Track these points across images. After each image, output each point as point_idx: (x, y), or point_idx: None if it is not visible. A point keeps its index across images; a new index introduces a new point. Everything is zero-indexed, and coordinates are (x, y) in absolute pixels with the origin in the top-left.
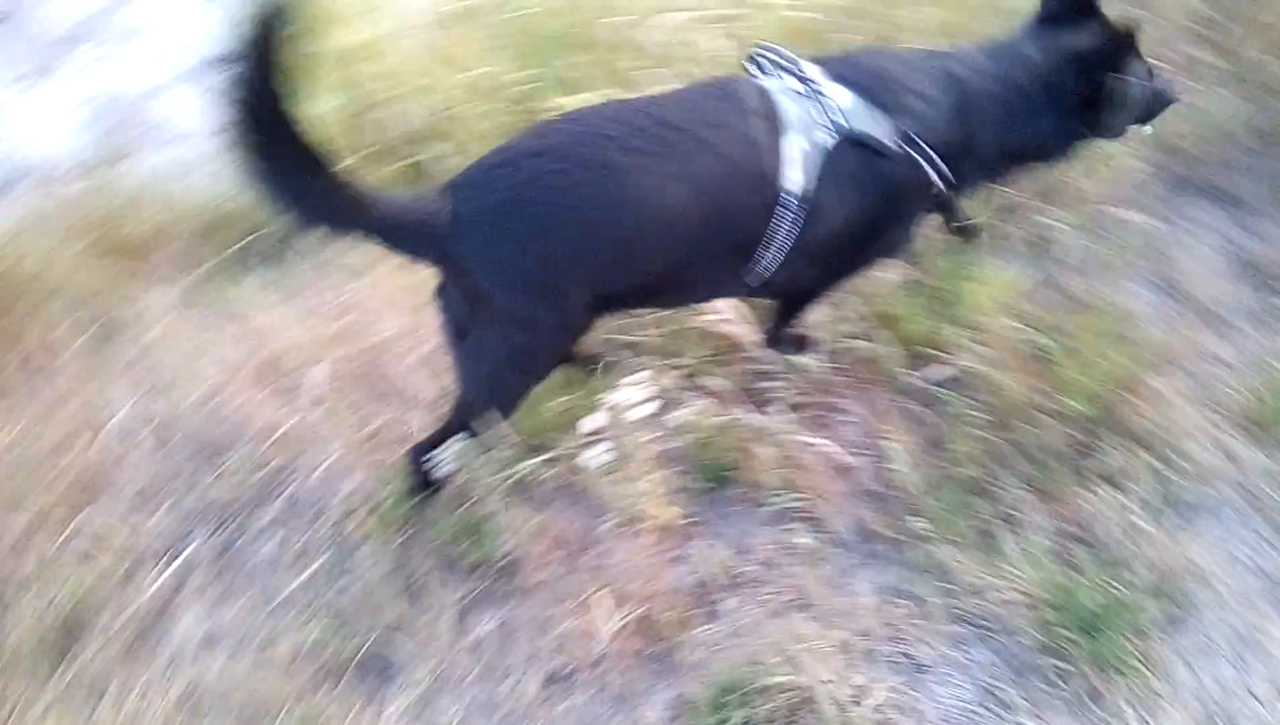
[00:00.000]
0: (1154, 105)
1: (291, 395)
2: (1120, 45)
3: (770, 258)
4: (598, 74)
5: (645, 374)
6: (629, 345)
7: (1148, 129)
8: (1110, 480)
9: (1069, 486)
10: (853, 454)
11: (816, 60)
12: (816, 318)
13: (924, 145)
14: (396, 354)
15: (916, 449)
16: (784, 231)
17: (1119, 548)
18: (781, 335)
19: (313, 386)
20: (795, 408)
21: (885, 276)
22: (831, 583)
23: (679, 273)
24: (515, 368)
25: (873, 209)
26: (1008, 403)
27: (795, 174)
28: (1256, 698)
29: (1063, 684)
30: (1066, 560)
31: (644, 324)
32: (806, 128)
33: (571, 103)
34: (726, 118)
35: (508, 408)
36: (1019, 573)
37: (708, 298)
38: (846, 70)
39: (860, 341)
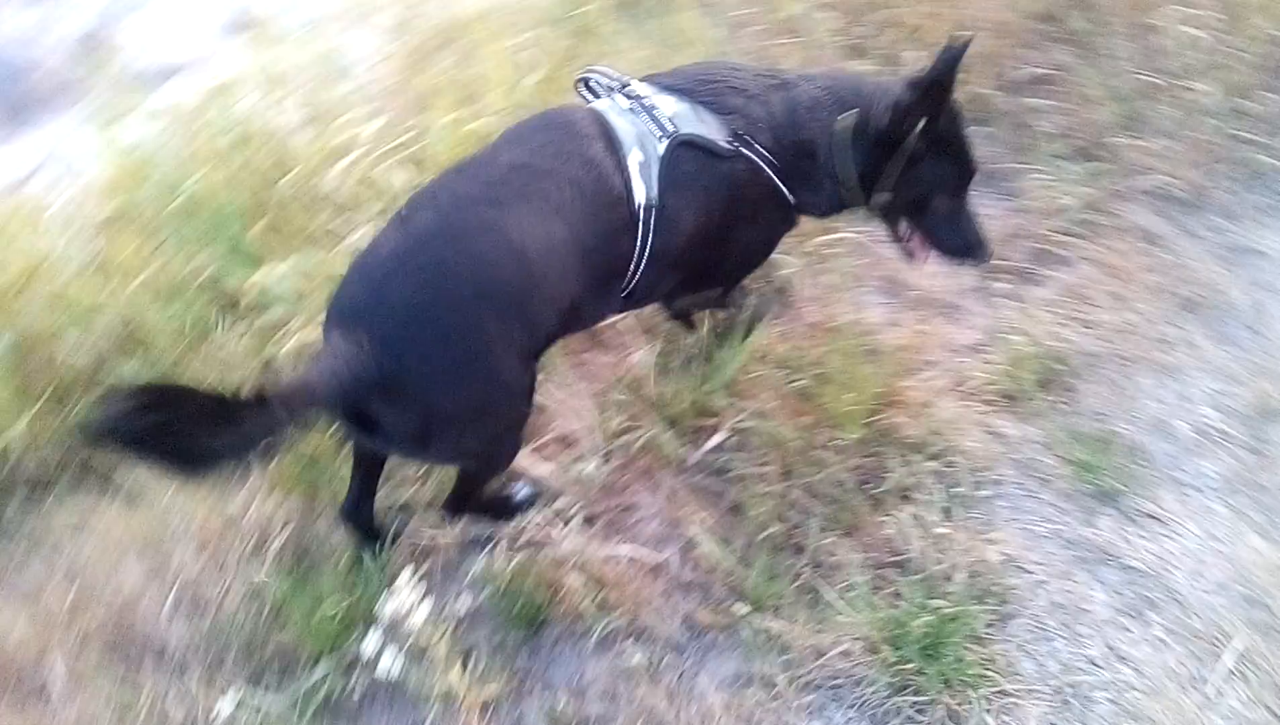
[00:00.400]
0: (955, 232)
1: (35, 699)
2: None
3: (639, 268)
4: (288, 237)
5: (406, 575)
6: (402, 507)
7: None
8: (902, 496)
9: (867, 515)
10: (658, 550)
11: (646, 78)
12: (583, 424)
13: (754, 143)
14: (147, 606)
15: (717, 524)
16: (645, 241)
17: (930, 561)
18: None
19: (57, 681)
20: (589, 522)
21: (641, 359)
22: (676, 693)
23: (579, 301)
24: (479, 457)
25: (719, 207)
26: (787, 450)
27: (639, 186)
28: (1096, 663)
29: (923, 717)
30: (888, 591)
31: (411, 479)
32: (640, 140)
33: (270, 274)
34: (566, 147)
35: (500, 463)
36: (849, 620)
37: (598, 320)
38: (673, 81)
39: (632, 433)
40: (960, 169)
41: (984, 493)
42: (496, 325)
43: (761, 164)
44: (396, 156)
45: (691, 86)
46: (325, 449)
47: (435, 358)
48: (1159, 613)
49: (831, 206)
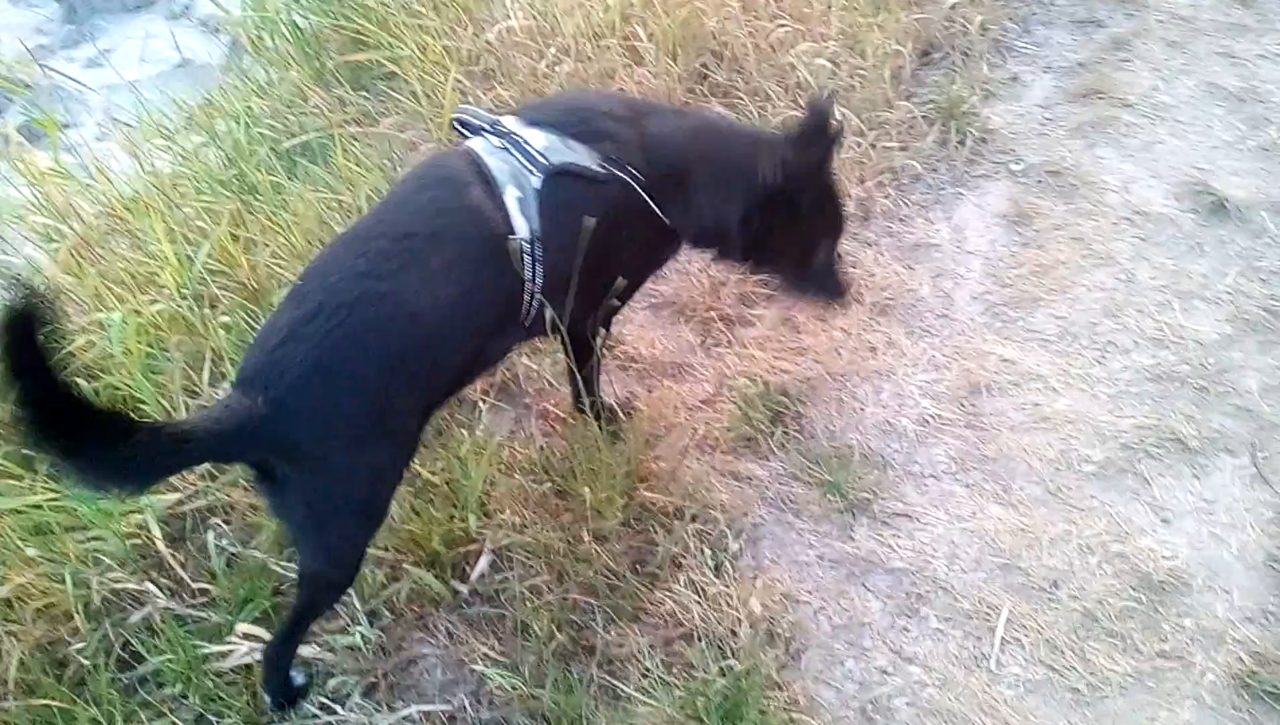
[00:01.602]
0: (825, 286)
1: None
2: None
3: (532, 300)
4: None
5: None
6: None
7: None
8: (674, 565)
9: (646, 596)
10: (448, 700)
11: (515, 111)
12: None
13: (626, 165)
14: None
15: (503, 652)
16: (533, 273)
17: (715, 623)
18: (592, 389)
19: None
20: (369, 692)
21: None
22: None
23: (479, 350)
24: (362, 517)
25: (600, 230)
26: (554, 554)
27: (519, 221)
28: (887, 671)
29: None
30: (681, 665)
31: None
32: (514, 176)
33: None
34: (449, 202)
35: (357, 566)
36: (650, 708)
37: (501, 358)
38: (540, 114)
39: (396, 584)
40: (840, 221)
41: (746, 539)
42: (385, 390)
43: (635, 187)
44: (76, 364)
45: (558, 119)
46: None
47: (322, 420)
48: (930, 604)
49: (701, 238)
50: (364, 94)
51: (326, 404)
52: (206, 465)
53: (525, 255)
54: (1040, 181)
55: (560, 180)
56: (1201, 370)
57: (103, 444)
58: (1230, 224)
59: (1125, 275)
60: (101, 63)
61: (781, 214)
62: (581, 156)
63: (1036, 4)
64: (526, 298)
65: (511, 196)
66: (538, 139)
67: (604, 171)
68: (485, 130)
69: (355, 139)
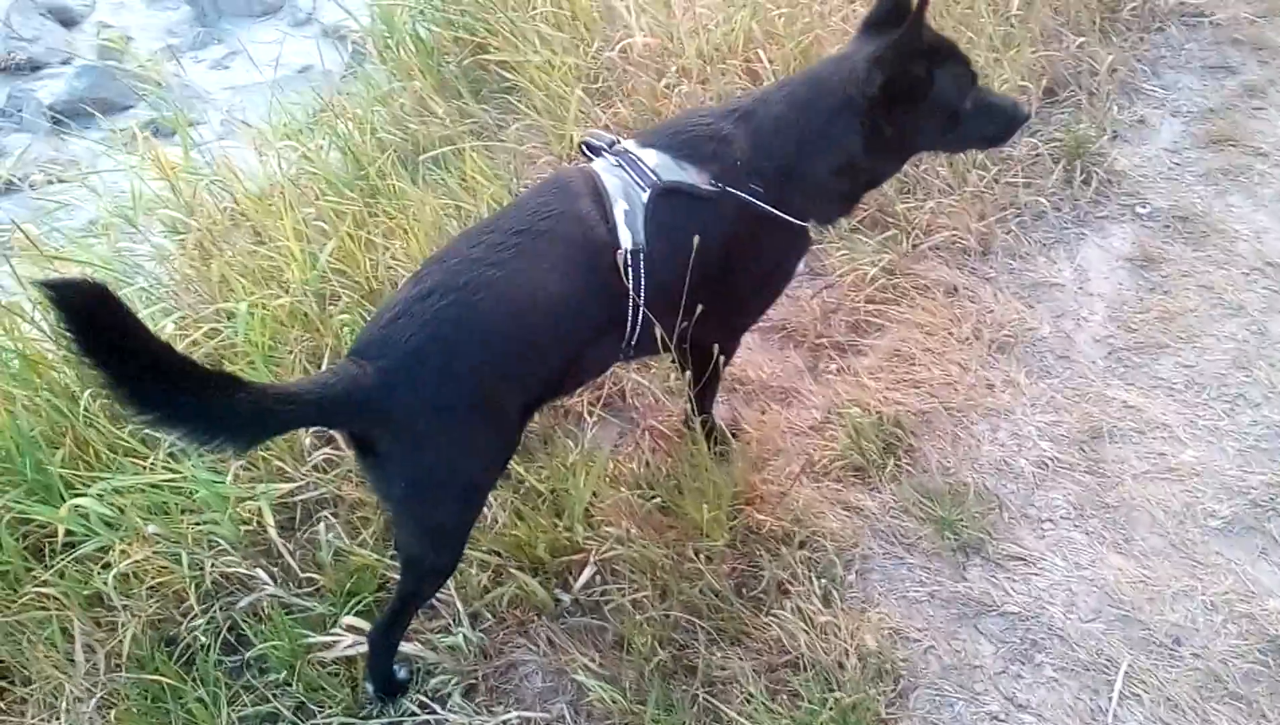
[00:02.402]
0: (993, 117)
1: None
2: (922, 44)
3: (636, 315)
4: (95, 458)
5: None
6: None
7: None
8: (780, 591)
9: (750, 619)
10: (547, 708)
11: (635, 134)
12: (442, 591)
13: (738, 180)
14: None
15: (604, 664)
16: (637, 286)
17: (820, 653)
18: (705, 406)
19: None
20: (469, 693)
21: (493, 513)
22: None
23: (578, 352)
24: (460, 499)
25: (714, 246)
26: (659, 571)
27: (625, 234)
28: (999, 718)
29: None
30: (785, 693)
31: None
32: (624, 191)
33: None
34: (559, 207)
35: (457, 551)
36: None
37: (605, 370)
38: (654, 136)
39: (499, 588)
40: (966, 67)
41: (856, 570)
42: (489, 373)
43: (749, 198)
44: (199, 351)
45: (667, 141)
46: None
47: (428, 394)
48: (1045, 652)
49: (842, 209)
50: (484, 105)
51: (431, 378)
52: (320, 457)
53: (628, 267)
54: (1168, 226)
55: (669, 197)
56: None
57: (208, 401)
58: None
59: (1257, 327)
60: (228, 65)
61: (904, 102)
62: (691, 176)
63: (1166, 48)
64: (630, 311)
65: (619, 209)
66: (650, 157)
67: (714, 189)
68: (605, 150)
69: (474, 148)
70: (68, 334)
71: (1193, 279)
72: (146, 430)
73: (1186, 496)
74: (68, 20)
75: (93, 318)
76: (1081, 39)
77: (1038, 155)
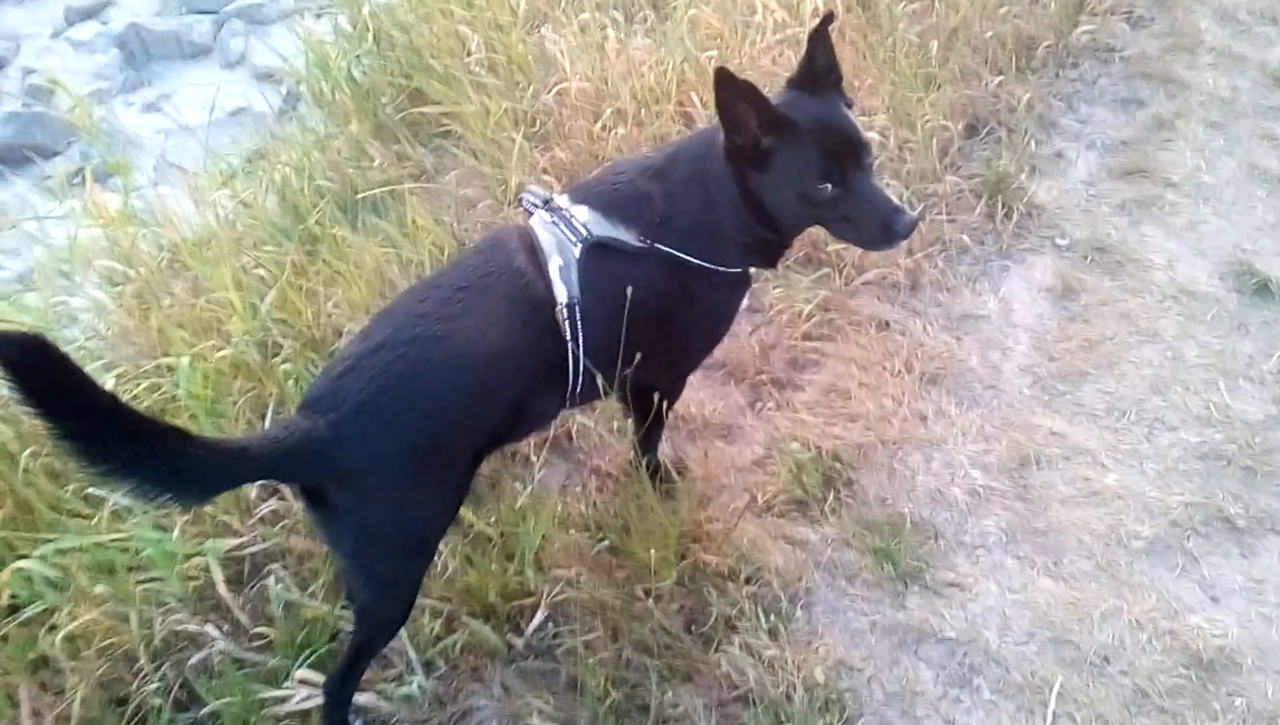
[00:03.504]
0: (865, 217)
1: None
2: (768, 116)
3: (578, 365)
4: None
5: None
6: None
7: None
8: (728, 627)
9: (700, 656)
10: None
11: (567, 190)
12: (396, 641)
13: (664, 234)
14: None
15: (558, 706)
16: (575, 338)
17: (770, 688)
18: (649, 447)
19: None
20: None
21: (443, 559)
22: None
23: (522, 403)
24: (413, 552)
25: (649, 298)
26: (609, 611)
27: (560, 288)
28: None
29: None
30: None
31: None
32: (559, 247)
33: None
34: (499, 263)
35: (409, 600)
36: None
37: (550, 418)
38: (584, 193)
39: (451, 635)
40: (805, 153)
41: (800, 604)
42: (437, 424)
43: (673, 251)
44: (140, 406)
45: (596, 197)
46: None
47: (379, 446)
48: (982, 675)
49: (761, 259)
50: (423, 148)
51: (382, 430)
52: (266, 510)
53: (565, 320)
54: (1086, 257)
55: (600, 252)
56: (1248, 450)
57: (159, 455)
58: (1274, 305)
59: (1172, 353)
60: (159, 108)
61: (751, 168)
62: (620, 231)
63: (1081, 82)
64: (571, 360)
65: (554, 264)
66: (582, 213)
67: (641, 244)
68: (539, 207)
69: (414, 192)
70: (11, 387)
71: (1111, 307)
72: (95, 486)
73: (1111, 519)
74: None
75: (34, 370)
76: (1000, 77)
77: (961, 192)
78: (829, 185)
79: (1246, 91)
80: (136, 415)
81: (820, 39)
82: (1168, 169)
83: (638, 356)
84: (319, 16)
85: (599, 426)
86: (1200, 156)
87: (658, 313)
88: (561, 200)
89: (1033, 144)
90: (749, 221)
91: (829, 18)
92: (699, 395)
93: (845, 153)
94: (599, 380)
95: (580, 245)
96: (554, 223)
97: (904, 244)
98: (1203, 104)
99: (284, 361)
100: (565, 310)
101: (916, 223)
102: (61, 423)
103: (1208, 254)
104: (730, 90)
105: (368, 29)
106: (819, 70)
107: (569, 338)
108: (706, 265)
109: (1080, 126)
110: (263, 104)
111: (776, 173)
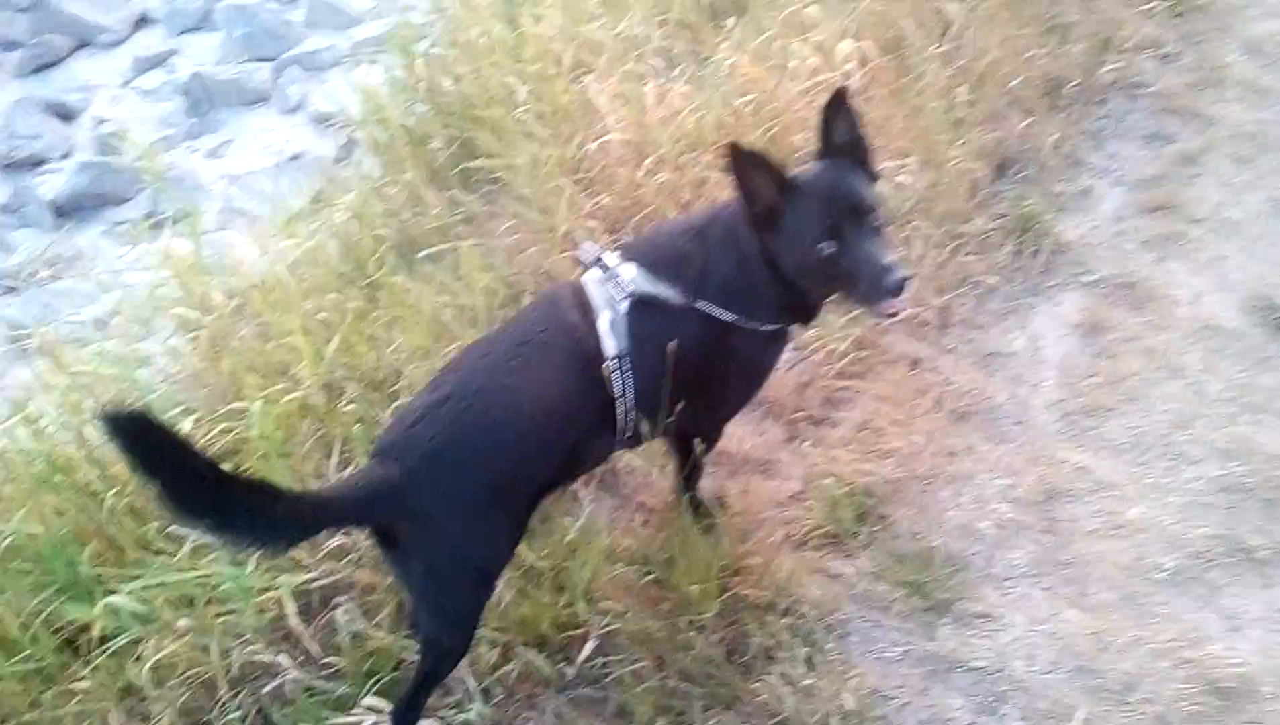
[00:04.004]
0: (861, 274)
1: None
2: (781, 179)
3: (626, 412)
4: (125, 554)
5: None
6: None
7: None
8: (767, 657)
9: (741, 685)
10: None
11: (617, 246)
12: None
13: (703, 293)
14: None
15: None
16: (623, 388)
17: (805, 715)
18: (691, 485)
19: None
20: None
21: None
22: None
23: (577, 448)
24: (475, 584)
25: (692, 351)
26: (655, 641)
27: (609, 342)
28: None
29: None
30: None
31: None
32: (609, 303)
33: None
34: (553, 320)
35: (471, 631)
36: None
37: (602, 461)
38: (632, 251)
39: (508, 664)
40: (814, 214)
41: (835, 634)
42: (501, 469)
43: (714, 310)
44: (216, 447)
45: (641, 256)
46: None
47: (448, 490)
48: (1010, 703)
49: (795, 316)
50: (473, 194)
51: (451, 475)
52: (333, 545)
53: (614, 371)
54: (1112, 293)
55: (645, 308)
56: (1269, 482)
57: (251, 512)
58: None
59: (1196, 387)
60: (222, 153)
61: (765, 229)
62: (663, 288)
63: (1108, 119)
64: (620, 409)
65: (604, 319)
66: (629, 271)
67: (683, 301)
68: (592, 264)
69: (465, 236)
70: (125, 459)
71: (1136, 343)
72: (198, 538)
73: (1134, 551)
74: (66, 115)
75: (141, 442)
76: (1029, 118)
77: (990, 230)
78: (828, 245)
79: (1273, 125)
80: (231, 476)
81: (835, 112)
82: (1193, 204)
83: (680, 404)
84: (373, 62)
85: (645, 464)
86: (1226, 191)
87: (698, 365)
88: (611, 258)
89: (1060, 182)
90: (777, 282)
91: (841, 93)
92: (739, 432)
93: (844, 213)
94: (645, 418)
95: (627, 301)
96: (604, 280)
97: (899, 303)
98: (1229, 138)
99: (348, 403)
100: (614, 362)
101: (906, 280)
102: (166, 486)
103: (1232, 289)
104: (740, 161)
105: (419, 78)
106: (839, 143)
107: (618, 388)
108: (743, 321)
109: (1108, 163)
110: (321, 148)
111: (785, 235)
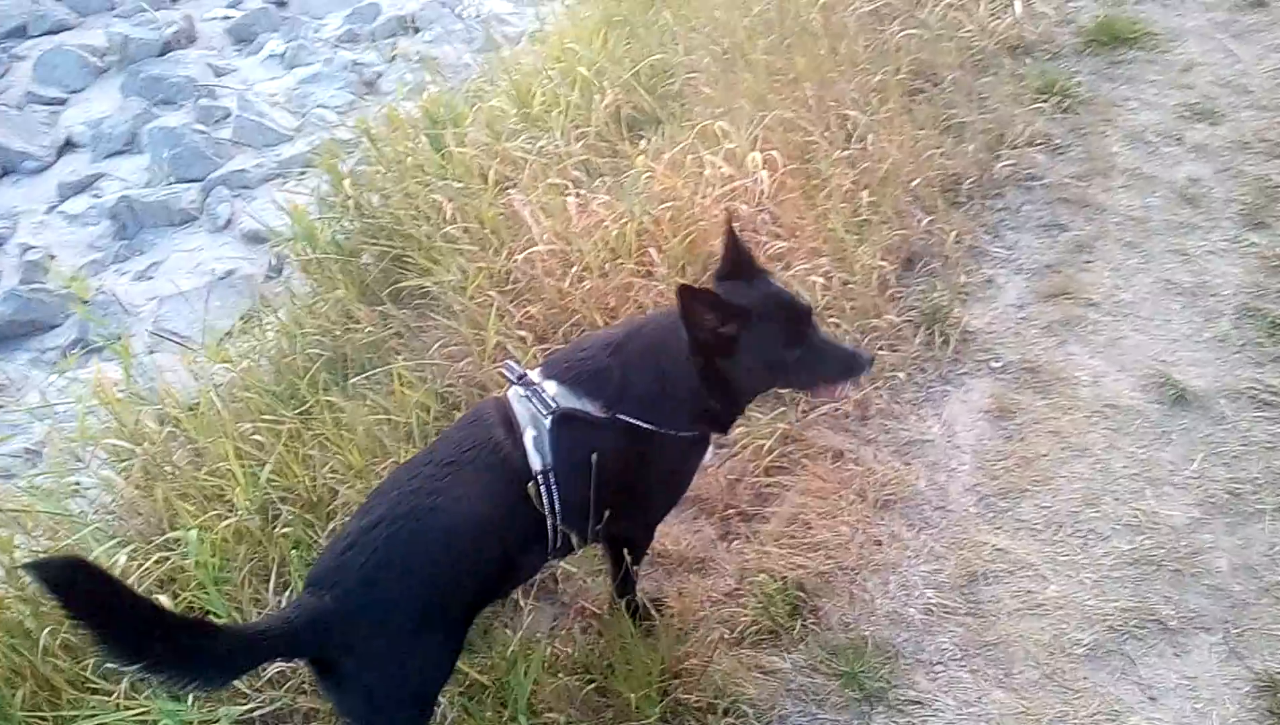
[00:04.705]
0: (828, 365)
1: None
2: (724, 310)
3: (555, 525)
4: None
5: None
6: None
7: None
8: None
9: None
10: None
11: (540, 365)
12: None
13: (623, 404)
14: None
15: None
16: (550, 502)
17: None
18: (627, 589)
19: None
20: None
21: (441, 710)
22: None
23: (510, 563)
24: (415, 709)
25: (614, 462)
26: None
27: (535, 458)
28: None
29: None
30: None
31: None
32: (534, 420)
33: None
34: (480, 438)
35: None
36: None
37: (533, 574)
38: (553, 368)
39: None
40: (775, 328)
41: None
42: (433, 591)
43: (635, 421)
44: (151, 578)
45: (563, 373)
46: None
47: (381, 616)
48: None
49: (718, 422)
50: (405, 310)
51: (383, 601)
52: (275, 669)
53: (541, 486)
54: (1019, 378)
55: (569, 423)
56: (1176, 553)
57: (186, 650)
58: (1193, 412)
59: (1101, 465)
60: (151, 276)
61: (719, 355)
62: (585, 403)
63: (1006, 211)
64: (549, 522)
65: (529, 436)
66: (551, 388)
67: (605, 416)
68: (515, 382)
69: (397, 350)
70: (58, 606)
71: (1043, 425)
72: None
73: (1054, 629)
74: None
75: (75, 588)
76: (931, 215)
77: (901, 324)
78: (796, 351)
79: (1158, 210)
80: (165, 614)
81: (731, 237)
82: (1089, 289)
83: (607, 513)
84: (302, 179)
85: (582, 569)
86: (1118, 275)
87: (623, 474)
88: (534, 375)
89: (964, 274)
90: (705, 396)
91: (730, 219)
92: (674, 531)
93: (798, 319)
94: (574, 530)
95: (550, 417)
96: (527, 397)
97: (865, 376)
98: (1119, 225)
99: (285, 526)
100: (541, 477)
101: (873, 358)
102: (99, 629)
103: (1130, 368)
104: (692, 301)
105: (348, 196)
106: (741, 261)
107: (545, 502)
108: (663, 431)
109: (1007, 253)
110: (251, 267)
111: (745, 354)
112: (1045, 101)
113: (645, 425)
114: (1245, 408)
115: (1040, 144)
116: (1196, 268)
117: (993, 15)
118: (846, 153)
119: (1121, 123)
